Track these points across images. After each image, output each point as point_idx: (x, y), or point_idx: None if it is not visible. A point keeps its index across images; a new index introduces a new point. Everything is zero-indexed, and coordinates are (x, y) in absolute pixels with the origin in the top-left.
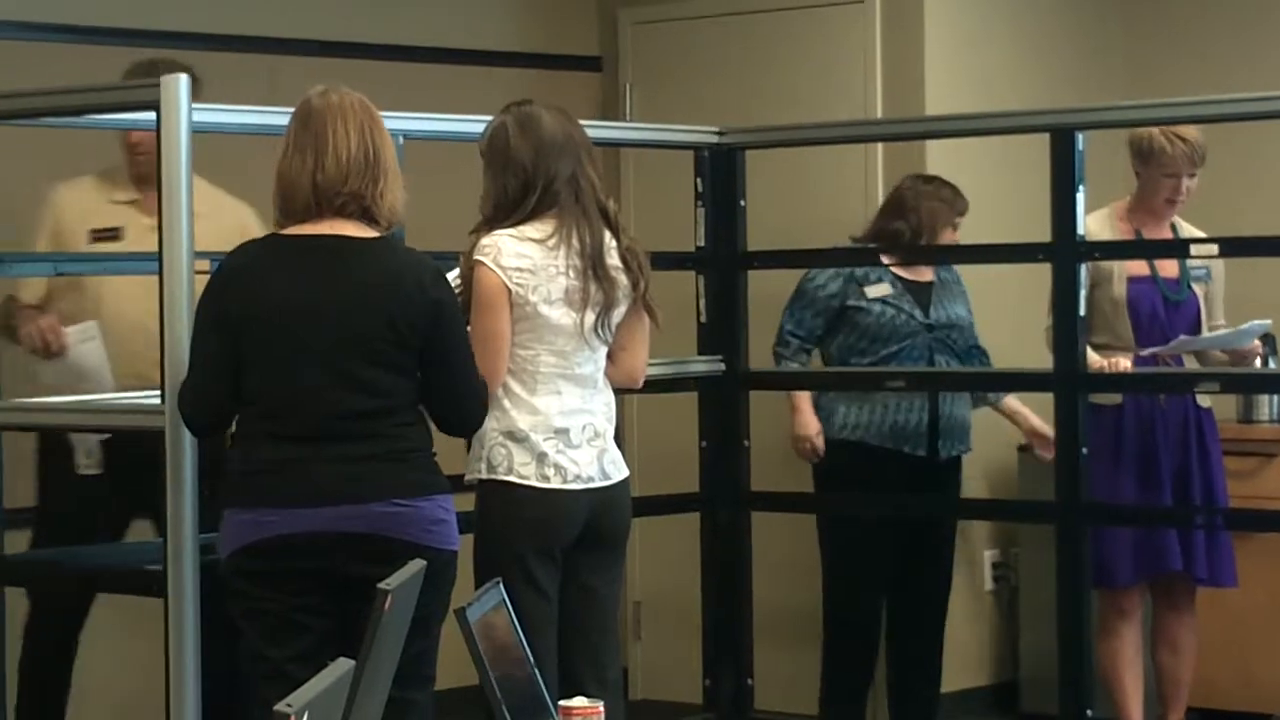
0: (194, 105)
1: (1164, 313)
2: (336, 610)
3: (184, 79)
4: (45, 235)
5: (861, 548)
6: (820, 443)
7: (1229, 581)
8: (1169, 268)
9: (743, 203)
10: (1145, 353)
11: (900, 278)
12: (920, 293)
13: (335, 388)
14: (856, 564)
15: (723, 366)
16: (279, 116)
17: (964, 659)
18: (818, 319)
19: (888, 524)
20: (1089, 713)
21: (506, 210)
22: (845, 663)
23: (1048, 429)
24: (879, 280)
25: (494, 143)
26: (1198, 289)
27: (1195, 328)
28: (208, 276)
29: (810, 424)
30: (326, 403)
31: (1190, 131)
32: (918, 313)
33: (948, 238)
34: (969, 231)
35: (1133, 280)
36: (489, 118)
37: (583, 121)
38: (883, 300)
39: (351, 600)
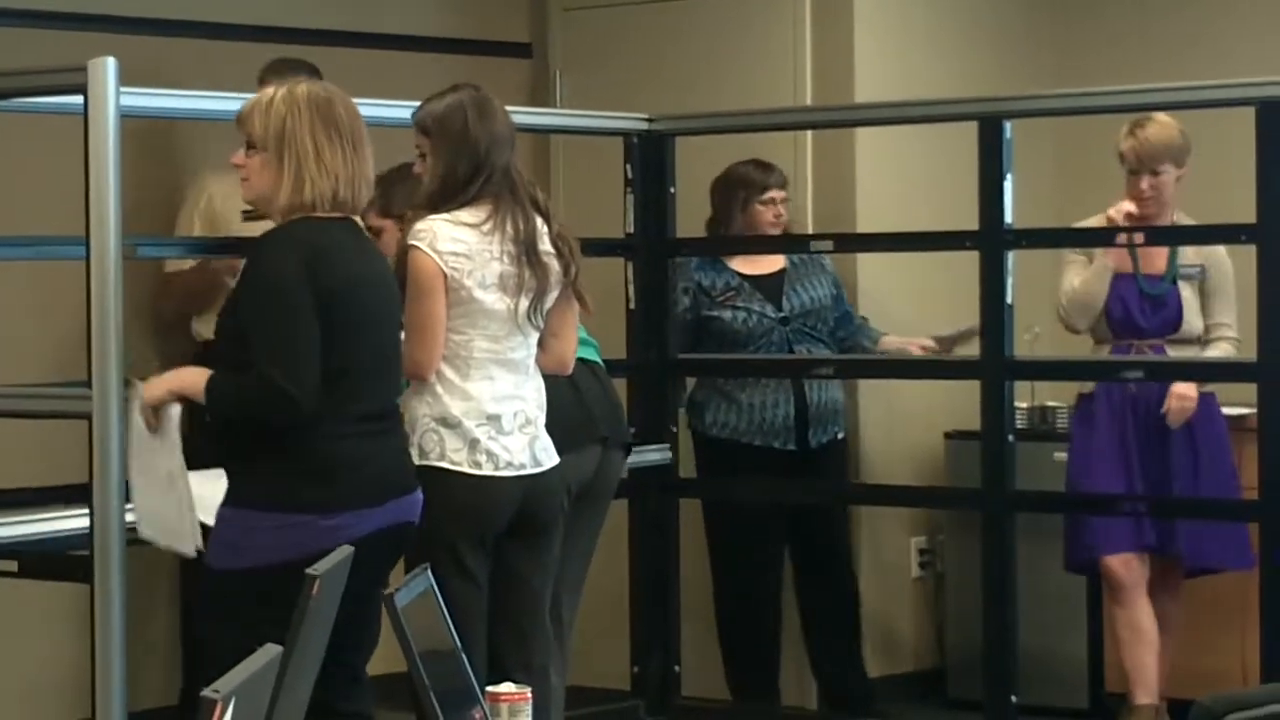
0: (122, 89)
1: (1139, 307)
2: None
3: (111, 61)
4: (196, 214)
5: (745, 538)
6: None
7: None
8: (1155, 263)
9: (672, 190)
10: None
11: (742, 275)
12: (767, 285)
13: (396, 366)
14: (742, 552)
15: None
16: (208, 101)
17: (891, 645)
18: (687, 338)
19: (769, 515)
20: (1014, 699)
21: (452, 191)
22: (742, 649)
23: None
24: (726, 285)
25: (448, 123)
26: (1186, 287)
27: (1175, 323)
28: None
29: None
30: (394, 384)
31: (1150, 128)
32: (768, 308)
33: (761, 217)
34: (901, 218)
35: (1116, 276)
36: (417, 104)
37: (513, 108)
38: (732, 305)
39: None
